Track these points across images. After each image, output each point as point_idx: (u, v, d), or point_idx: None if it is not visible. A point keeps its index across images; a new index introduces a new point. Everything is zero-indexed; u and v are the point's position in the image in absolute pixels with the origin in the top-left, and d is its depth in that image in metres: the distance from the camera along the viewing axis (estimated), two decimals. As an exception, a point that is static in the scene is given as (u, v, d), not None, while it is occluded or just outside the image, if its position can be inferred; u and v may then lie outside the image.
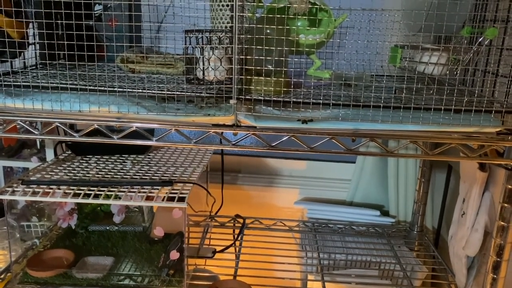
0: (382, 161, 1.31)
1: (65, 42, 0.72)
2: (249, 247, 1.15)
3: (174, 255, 0.92)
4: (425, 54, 0.79)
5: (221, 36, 0.76)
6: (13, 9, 0.74)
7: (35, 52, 0.85)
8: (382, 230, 1.29)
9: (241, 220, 1.27)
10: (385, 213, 1.35)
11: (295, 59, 0.77)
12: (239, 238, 1.17)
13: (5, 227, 1.10)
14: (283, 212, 1.42)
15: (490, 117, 0.71)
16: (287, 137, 0.74)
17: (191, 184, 0.94)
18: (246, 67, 0.73)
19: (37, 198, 0.87)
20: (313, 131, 0.73)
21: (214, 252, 1.05)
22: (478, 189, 0.89)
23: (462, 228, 0.93)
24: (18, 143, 1.30)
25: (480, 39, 0.75)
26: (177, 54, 0.89)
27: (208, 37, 0.75)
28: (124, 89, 0.74)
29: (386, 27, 0.90)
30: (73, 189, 0.88)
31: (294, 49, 0.74)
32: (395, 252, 1.18)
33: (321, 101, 0.72)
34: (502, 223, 0.76)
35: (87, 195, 0.87)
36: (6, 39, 0.73)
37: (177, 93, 0.74)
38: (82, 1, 0.70)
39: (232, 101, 0.72)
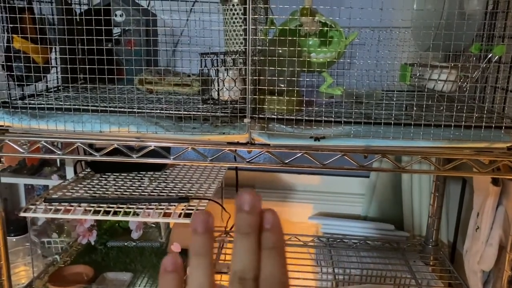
0: (395, 175, 1.31)
1: (87, 66, 0.76)
2: (264, 262, 1.16)
3: (191, 270, 0.94)
4: (435, 71, 0.80)
5: (235, 58, 0.79)
6: (38, 36, 0.78)
7: (57, 76, 0.89)
8: (397, 244, 1.29)
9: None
10: (399, 228, 1.35)
11: (307, 79, 0.79)
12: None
13: (27, 243, 1.14)
14: (298, 227, 1.43)
15: (501, 133, 0.72)
16: (300, 154, 0.76)
17: (207, 200, 0.96)
18: (259, 87, 0.75)
19: (59, 216, 0.90)
20: (326, 148, 0.74)
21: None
22: (492, 203, 0.89)
23: (476, 243, 0.93)
24: (39, 162, 1.34)
25: (489, 56, 0.77)
26: (193, 74, 0.92)
27: (223, 59, 0.78)
28: (143, 110, 0.77)
29: (396, 44, 0.92)
30: (93, 207, 0.91)
31: (305, 69, 0.76)
32: (410, 266, 1.17)
33: (332, 119, 0.74)
34: (516, 237, 0.76)
35: (106, 212, 0.89)
36: (32, 65, 0.77)
37: (193, 112, 0.77)
38: (103, 28, 0.74)
39: (246, 120, 0.75)
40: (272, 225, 0.32)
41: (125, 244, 1.19)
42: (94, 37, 0.74)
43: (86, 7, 0.99)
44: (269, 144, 0.75)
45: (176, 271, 0.33)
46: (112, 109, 0.77)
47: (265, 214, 0.33)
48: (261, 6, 0.82)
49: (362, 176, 1.39)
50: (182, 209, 0.91)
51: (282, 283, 0.31)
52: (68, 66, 0.78)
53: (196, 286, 0.32)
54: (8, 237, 0.91)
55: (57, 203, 0.92)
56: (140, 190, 1.03)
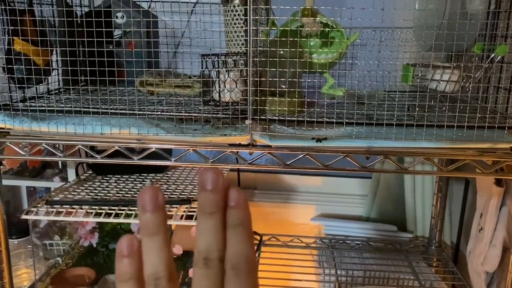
0: (398, 176, 1.30)
1: (87, 69, 0.75)
2: (267, 264, 1.16)
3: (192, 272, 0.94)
4: (437, 72, 0.80)
5: (236, 59, 0.79)
6: (39, 38, 0.78)
7: (58, 78, 0.89)
8: (400, 246, 1.28)
9: (258, 237, 1.28)
10: (402, 229, 1.34)
11: (309, 80, 0.79)
12: (256, 255, 1.18)
13: (29, 246, 1.14)
14: (300, 228, 1.42)
15: (504, 133, 0.71)
16: (302, 155, 0.76)
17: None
18: (261, 88, 0.75)
19: (61, 218, 0.90)
20: (328, 149, 0.74)
21: (232, 269, 1.06)
22: (495, 204, 0.89)
23: (480, 244, 0.92)
24: (41, 164, 1.34)
25: (491, 56, 0.76)
26: (194, 75, 0.92)
27: (224, 60, 0.78)
28: (144, 112, 0.77)
29: (398, 44, 0.92)
30: (94, 209, 0.90)
31: (307, 70, 0.76)
32: (413, 268, 1.17)
33: (334, 120, 0.74)
34: (520, 238, 0.76)
35: (108, 214, 0.89)
36: (33, 67, 0.77)
37: (195, 114, 0.77)
38: (103, 30, 0.74)
39: (247, 121, 0.74)
40: (237, 202, 0.31)
41: (127, 246, 1.18)
42: (95, 39, 0.74)
43: (87, 9, 0.99)
44: (270, 146, 0.75)
45: (132, 255, 0.31)
46: (113, 111, 0.77)
47: (230, 192, 0.31)
48: (262, 7, 0.82)
49: (364, 177, 1.39)
50: (184, 211, 0.91)
51: (249, 261, 0.30)
52: (69, 68, 0.78)
53: (151, 267, 0.31)
54: (10, 240, 0.91)
55: (59, 205, 0.92)
56: (141, 192, 1.02)
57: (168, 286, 0.30)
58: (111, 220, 0.89)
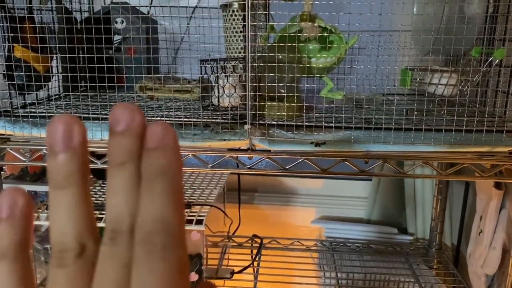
0: (398, 178, 1.31)
1: (87, 74, 0.76)
2: (267, 268, 1.16)
3: (193, 277, 0.94)
4: (435, 75, 0.80)
5: (235, 64, 0.79)
6: (39, 44, 0.79)
7: (58, 84, 0.90)
8: (400, 248, 1.28)
9: (258, 240, 1.28)
10: (403, 231, 1.34)
11: (307, 85, 0.79)
12: (257, 258, 1.18)
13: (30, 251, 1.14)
14: (301, 231, 1.42)
15: (502, 137, 0.72)
16: (301, 159, 0.76)
17: (209, 207, 0.96)
18: (260, 93, 0.75)
19: (61, 223, 0.90)
20: (326, 153, 0.74)
21: (233, 273, 1.06)
22: (495, 206, 0.89)
23: (479, 246, 0.93)
24: (42, 169, 1.34)
25: (489, 60, 0.76)
26: (193, 80, 0.93)
27: (223, 66, 0.78)
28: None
29: (397, 47, 0.92)
30: (95, 214, 0.91)
31: (305, 74, 0.76)
32: (414, 270, 1.17)
33: (333, 124, 0.74)
34: (519, 241, 0.76)
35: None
36: (33, 73, 0.78)
37: (194, 119, 0.77)
38: (103, 36, 0.74)
39: (246, 126, 0.75)
40: (159, 143, 0.21)
41: (128, 250, 1.19)
42: (95, 45, 0.75)
43: (86, 15, 0.99)
44: (269, 150, 0.75)
45: (12, 218, 0.21)
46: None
47: (150, 129, 0.21)
48: (261, 12, 0.82)
49: (365, 180, 1.39)
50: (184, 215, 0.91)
51: (168, 230, 0.20)
52: (69, 74, 0.78)
53: (56, 235, 0.21)
54: (11, 245, 0.91)
55: (59, 210, 0.92)
56: (142, 196, 1.03)
57: (77, 264, 0.21)
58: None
